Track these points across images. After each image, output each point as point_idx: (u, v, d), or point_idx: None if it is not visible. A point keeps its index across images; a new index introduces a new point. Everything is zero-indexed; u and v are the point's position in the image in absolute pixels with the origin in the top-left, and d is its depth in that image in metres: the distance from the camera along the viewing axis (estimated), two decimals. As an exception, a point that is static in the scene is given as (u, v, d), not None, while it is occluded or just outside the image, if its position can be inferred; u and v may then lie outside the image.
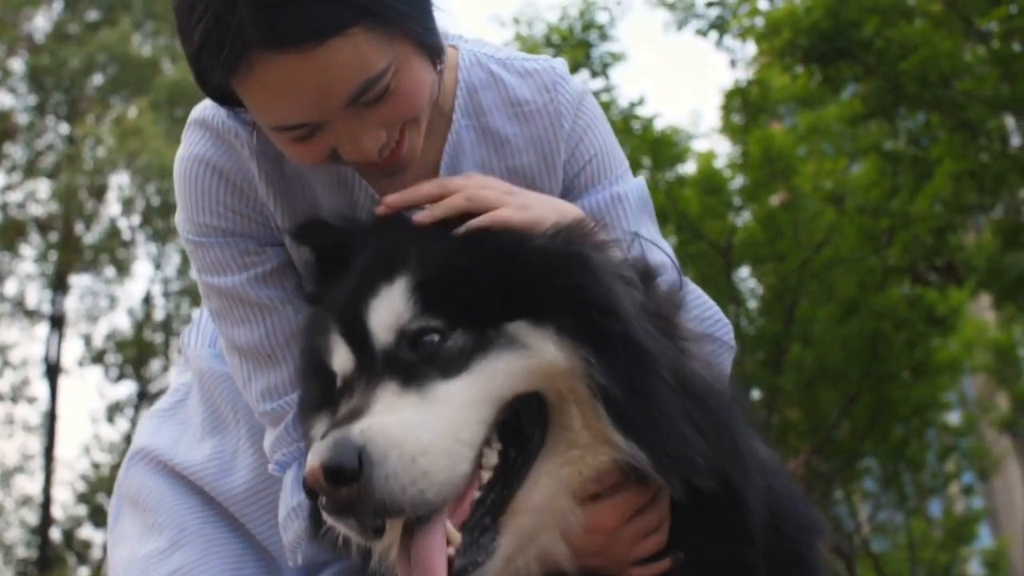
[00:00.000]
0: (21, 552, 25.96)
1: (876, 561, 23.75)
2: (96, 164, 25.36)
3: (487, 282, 1.84)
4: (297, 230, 2.20)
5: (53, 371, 26.16)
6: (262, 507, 2.43)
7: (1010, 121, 13.25)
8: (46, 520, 25.69)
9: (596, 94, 2.45)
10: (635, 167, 9.49)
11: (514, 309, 1.81)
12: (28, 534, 26.17)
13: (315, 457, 1.64)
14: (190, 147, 2.28)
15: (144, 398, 26.19)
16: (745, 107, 16.80)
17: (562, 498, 1.84)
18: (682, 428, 1.77)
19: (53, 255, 26.46)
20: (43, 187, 26.59)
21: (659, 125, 16.18)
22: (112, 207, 26.51)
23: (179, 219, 2.33)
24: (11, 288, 26.40)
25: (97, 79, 27.52)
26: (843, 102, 15.23)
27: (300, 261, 2.28)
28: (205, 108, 2.29)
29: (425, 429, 1.69)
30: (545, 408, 1.83)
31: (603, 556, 1.91)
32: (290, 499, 2.25)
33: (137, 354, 26.21)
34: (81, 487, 26.35)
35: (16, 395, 26.37)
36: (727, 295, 17.22)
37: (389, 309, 1.82)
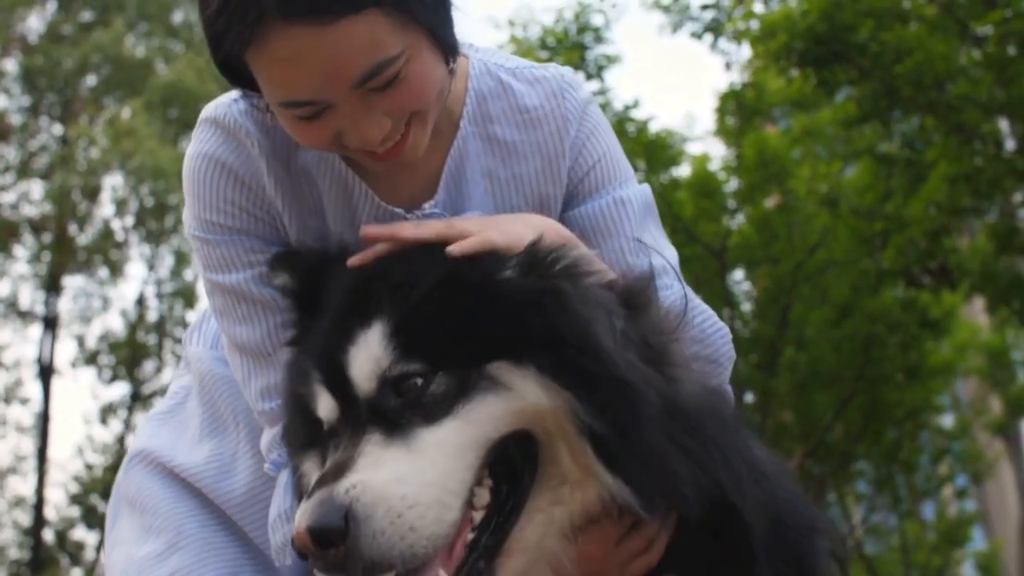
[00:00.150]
0: (14, 553, 25.89)
1: (869, 564, 23.80)
2: (90, 165, 25.31)
3: (463, 322, 1.82)
4: (273, 259, 2.20)
5: (46, 372, 26.10)
6: (261, 510, 2.41)
7: (1004, 125, 13.27)
8: (39, 521, 25.64)
9: (586, 91, 2.44)
10: (631, 170, 9.48)
11: (493, 349, 1.79)
12: (21, 535, 26.09)
13: (302, 519, 1.65)
14: (200, 144, 2.29)
15: (137, 399, 26.14)
16: (740, 110, 16.84)
17: (554, 535, 1.83)
18: (670, 463, 1.75)
19: (46, 256, 26.40)
20: (36, 188, 26.57)
21: (654, 128, 16.26)
22: (105, 208, 26.50)
23: (186, 215, 2.35)
24: (4, 289, 26.37)
25: (91, 80, 27.47)
26: (837, 105, 15.25)
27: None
28: (217, 106, 2.30)
29: (411, 483, 1.68)
30: (535, 444, 1.81)
31: None
32: (282, 501, 2.25)
33: (130, 355, 26.15)
34: (74, 488, 26.29)
35: (9, 396, 26.33)
36: (721, 298, 17.25)
37: (368, 356, 1.81)
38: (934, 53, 12.35)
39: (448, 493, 1.71)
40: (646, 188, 2.44)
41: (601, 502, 1.81)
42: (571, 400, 1.75)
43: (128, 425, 26.02)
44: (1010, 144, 13.17)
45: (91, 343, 26.29)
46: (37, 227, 26.28)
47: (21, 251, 26.54)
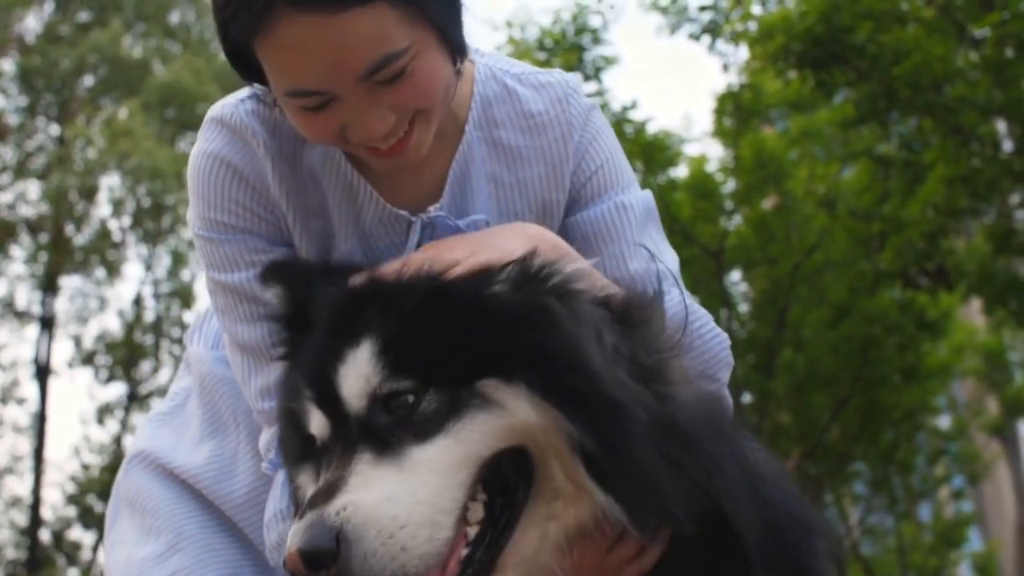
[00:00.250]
0: (10, 553, 25.88)
1: (866, 565, 23.80)
2: (86, 165, 25.33)
3: (453, 339, 1.81)
4: (264, 271, 2.20)
5: (43, 372, 26.09)
6: (261, 512, 2.40)
7: (1002, 126, 13.27)
8: (35, 521, 25.64)
9: (588, 97, 2.46)
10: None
11: (483, 366, 1.78)
12: (17, 535, 26.10)
13: (293, 542, 1.65)
14: (206, 144, 2.29)
15: (134, 400, 26.15)
16: (737, 111, 16.85)
17: (549, 549, 1.83)
18: (659, 482, 1.74)
19: (43, 256, 26.41)
20: (33, 188, 26.59)
21: (651, 129, 16.28)
22: (102, 208, 26.52)
23: (190, 214, 2.35)
24: (1, 289, 26.38)
25: (88, 80, 27.49)
26: (835, 107, 15.27)
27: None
28: (224, 106, 2.31)
29: (402, 502, 1.68)
30: (529, 459, 1.80)
31: None
32: (278, 501, 2.25)
33: (127, 355, 26.15)
34: (71, 488, 26.31)
35: (6, 396, 26.34)
36: (718, 299, 17.27)
37: (358, 375, 1.80)
38: (932, 55, 12.36)
39: (440, 511, 1.71)
40: (648, 194, 2.45)
41: (594, 517, 1.81)
42: (561, 418, 1.75)
43: (125, 425, 26.04)
44: (1007, 145, 13.16)
45: (88, 343, 26.33)
46: (34, 227, 26.29)
47: (18, 251, 26.58)
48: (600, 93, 15.59)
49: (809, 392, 18.32)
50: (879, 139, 15.24)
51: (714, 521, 1.81)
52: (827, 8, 12.27)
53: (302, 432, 1.92)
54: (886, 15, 12.67)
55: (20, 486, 29.21)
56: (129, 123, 24.85)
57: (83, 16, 28.24)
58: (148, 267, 26.56)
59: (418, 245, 2.30)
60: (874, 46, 12.29)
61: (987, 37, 12.22)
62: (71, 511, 26.34)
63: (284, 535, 2.19)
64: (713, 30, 14.90)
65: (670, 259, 2.39)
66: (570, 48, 15.32)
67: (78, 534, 26.39)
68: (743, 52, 16.11)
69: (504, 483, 1.80)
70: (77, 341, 26.34)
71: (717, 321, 2.40)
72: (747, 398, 18.11)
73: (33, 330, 26.72)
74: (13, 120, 26.83)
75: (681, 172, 17.74)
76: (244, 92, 2.29)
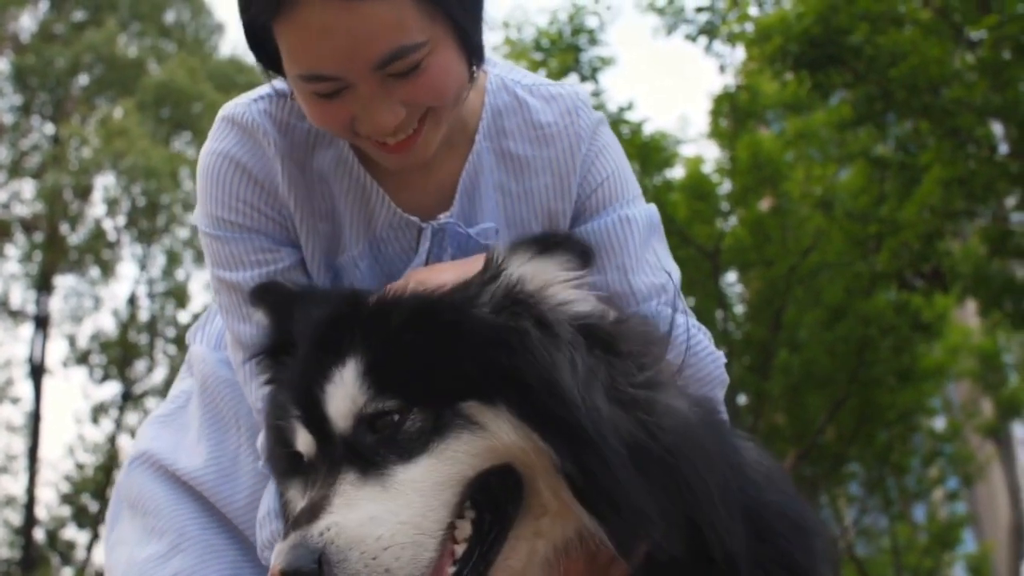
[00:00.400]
0: (4, 552, 25.92)
1: (860, 565, 23.84)
2: (81, 164, 25.32)
3: (436, 359, 1.81)
4: (253, 292, 2.20)
5: (37, 371, 26.10)
6: (262, 515, 2.42)
7: (998, 128, 13.28)
8: (30, 520, 25.63)
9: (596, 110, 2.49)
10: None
11: (465, 387, 1.78)
12: (12, 534, 26.14)
13: (276, 562, 1.65)
14: (217, 142, 2.31)
15: (128, 399, 26.17)
16: (734, 112, 16.89)
17: (537, 564, 1.83)
18: (639, 505, 1.74)
19: (38, 255, 26.42)
20: (28, 187, 26.61)
21: (648, 130, 16.25)
22: (97, 208, 26.53)
23: (197, 212, 2.37)
24: (-5, 288, 26.35)
25: (83, 79, 27.51)
26: (831, 108, 15.28)
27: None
28: (236, 105, 2.33)
29: (386, 523, 1.68)
30: (517, 476, 1.80)
31: None
32: (272, 500, 2.25)
33: (122, 355, 26.17)
34: (65, 488, 26.35)
35: (0, 395, 26.29)
36: (714, 300, 17.29)
37: (344, 394, 1.80)
38: (929, 57, 12.36)
39: (424, 532, 1.71)
40: (652, 208, 2.47)
41: (581, 534, 1.81)
42: (540, 441, 1.75)
43: (119, 425, 26.07)
44: (1003, 148, 13.18)
45: (82, 342, 26.36)
46: (28, 226, 26.27)
47: (12, 250, 26.59)
48: (596, 94, 15.57)
49: (804, 393, 18.36)
50: (875, 141, 15.24)
51: (700, 536, 1.81)
52: (824, 10, 12.27)
53: (290, 448, 1.93)
54: (883, 17, 12.67)
55: (14, 485, 29.28)
56: (124, 122, 24.86)
57: (78, 15, 28.26)
58: (143, 266, 26.59)
59: (428, 252, 2.32)
60: (871, 48, 12.30)
61: (984, 39, 12.20)
62: (65, 510, 26.40)
63: (276, 534, 2.21)
64: (710, 31, 14.91)
65: (673, 273, 2.42)
66: (566, 49, 15.32)
67: (72, 533, 26.48)
68: (740, 53, 16.19)
69: (493, 499, 1.80)
70: (71, 340, 26.37)
71: (713, 322, 2.41)
72: (743, 399, 18.12)
73: (27, 329, 26.81)
74: (8, 119, 26.83)
75: (677, 173, 17.75)
76: (257, 92, 2.32)
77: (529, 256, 1.91)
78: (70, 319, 26.54)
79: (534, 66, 14.75)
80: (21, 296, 26.83)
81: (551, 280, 1.91)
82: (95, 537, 25.38)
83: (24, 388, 33.86)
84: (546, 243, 1.93)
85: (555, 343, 1.81)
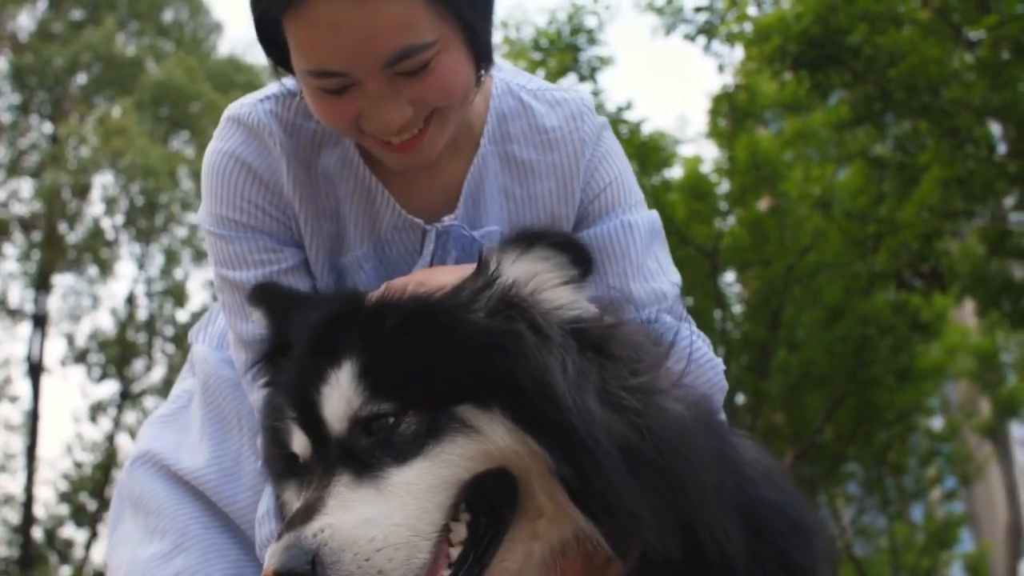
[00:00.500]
0: (3, 551, 25.91)
1: (858, 565, 23.85)
2: (80, 163, 25.32)
3: (431, 362, 1.81)
4: (250, 292, 2.21)
5: (36, 370, 26.09)
6: (264, 515, 2.42)
7: (997, 128, 13.28)
8: (28, 519, 25.63)
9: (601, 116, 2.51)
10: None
11: (460, 390, 1.78)
12: (10, 533, 26.12)
13: (270, 563, 1.65)
14: (222, 142, 2.32)
15: (127, 398, 26.18)
16: (732, 112, 16.89)
17: (533, 566, 1.83)
18: (633, 507, 1.74)
19: (36, 254, 26.41)
20: (26, 186, 26.62)
21: (646, 129, 16.26)
22: (95, 207, 26.54)
23: (201, 211, 2.37)
24: (-6, 287, 26.34)
25: (81, 78, 27.52)
26: (830, 108, 15.28)
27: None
28: (242, 105, 2.33)
29: (380, 524, 1.69)
30: (512, 478, 1.80)
31: None
32: (271, 500, 2.26)
33: (120, 354, 26.17)
34: (63, 486, 26.35)
35: (-2, 394, 26.31)
36: (713, 299, 17.30)
37: (340, 397, 1.80)
38: (927, 57, 12.36)
39: (418, 534, 1.71)
40: (654, 214, 2.49)
41: (577, 535, 1.82)
42: (534, 444, 1.75)
43: (118, 423, 26.08)
44: (1002, 148, 13.18)
45: (81, 341, 26.37)
46: (27, 225, 26.26)
47: (11, 249, 26.59)
48: (595, 94, 15.55)
49: (803, 393, 18.37)
50: (874, 141, 15.24)
51: (698, 537, 1.81)
52: (823, 10, 12.27)
53: (285, 450, 1.93)
54: (882, 17, 12.67)
55: (12, 484, 29.31)
56: (122, 121, 24.85)
57: (76, 14, 28.25)
58: (141, 265, 26.59)
59: (432, 254, 2.33)
60: (870, 48, 12.30)
61: (983, 39, 12.21)
62: (64, 509, 26.40)
63: (274, 533, 2.19)
64: (709, 31, 14.91)
65: (672, 280, 2.43)
66: (565, 48, 15.31)
67: (70, 532, 26.50)
68: (738, 53, 16.15)
69: (488, 502, 1.80)
70: (70, 339, 26.37)
71: (711, 321, 2.42)
72: (741, 398, 18.13)
73: (26, 328, 26.81)
74: (6, 118, 26.83)
75: (676, 173, 17.77)
76: (263, 92, 2.32)
77: (517, 254, 1.90)
78: (68, 318, 26.57)
79: (533, 66, 14.76)
80: (19, 295, 26.87)
81: (543, 282, 1.90)
82: (93, 536, 25.41)
83: (22, 387, 33.87)
84: (529, 239, 1.91)
85: (547, 346, 1.81)
